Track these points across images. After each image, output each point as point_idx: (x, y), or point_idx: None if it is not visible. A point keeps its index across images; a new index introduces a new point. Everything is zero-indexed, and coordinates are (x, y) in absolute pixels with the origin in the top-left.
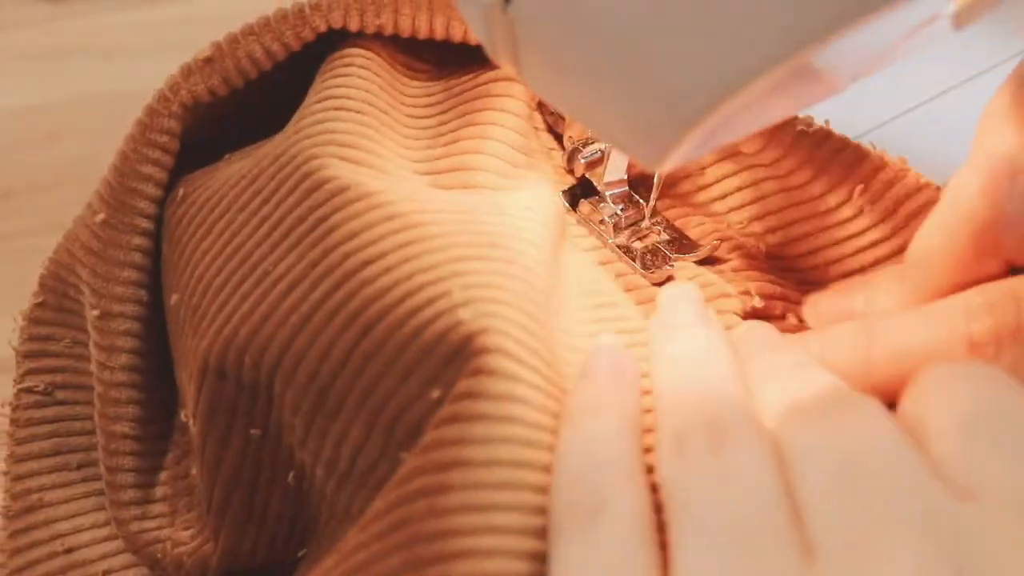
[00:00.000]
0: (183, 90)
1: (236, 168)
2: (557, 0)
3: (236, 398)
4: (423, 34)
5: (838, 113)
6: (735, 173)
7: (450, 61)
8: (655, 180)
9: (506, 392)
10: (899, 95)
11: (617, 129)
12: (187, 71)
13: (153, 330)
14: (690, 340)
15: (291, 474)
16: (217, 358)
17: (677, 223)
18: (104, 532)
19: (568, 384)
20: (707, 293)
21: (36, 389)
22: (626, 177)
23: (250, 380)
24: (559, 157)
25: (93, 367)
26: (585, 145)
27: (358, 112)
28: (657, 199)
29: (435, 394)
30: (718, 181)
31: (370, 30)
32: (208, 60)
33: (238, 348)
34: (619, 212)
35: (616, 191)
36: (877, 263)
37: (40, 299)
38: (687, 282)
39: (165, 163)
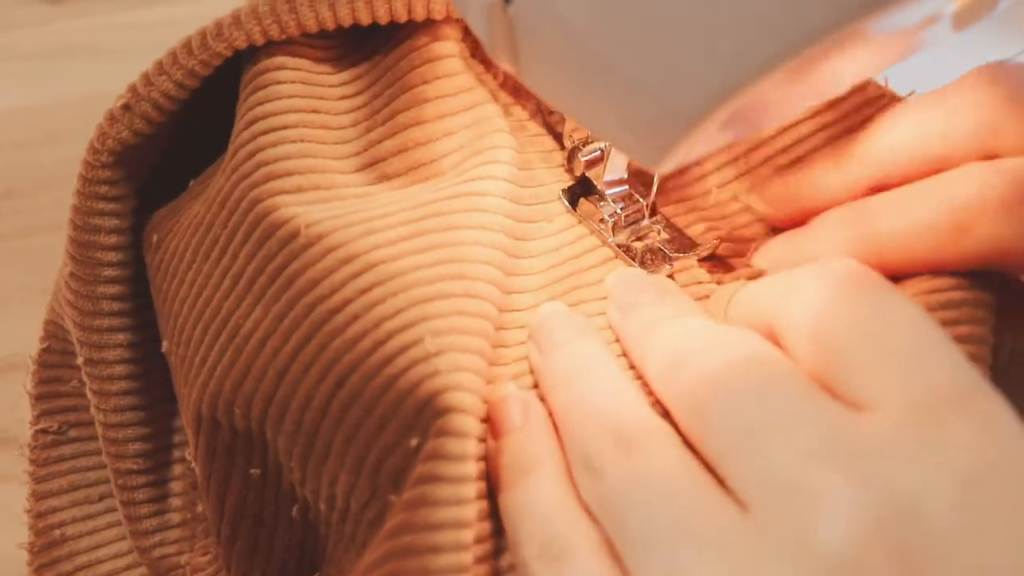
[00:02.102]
0: (109, 139)
1: (194, 212)
2: (557, 1)
3: (233, 443)
4: (330, 25)
5: None
6: (729, 163)
7: (371, 40)
8: (654, 179)
9: (460, 460)
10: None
11: (617, 129)
12: (110, 118)
13: (149, 365)
14: (568, 358)
15: (295, 507)
16: (208, 409)
17: (677, 222)
18: (126, 560)
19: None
20: (700, 291)
21: (51, 430)
22: (626, 176)
23: (243, 428)
24: (559, 157)
25: (92, 409)
26: (585, 144)
27: (286, 128)
28: (656, 198)
29: (413, 442)
30: (717, 169)
31: (278, 39)
32: (126, 107)
33: (226, 401)
34: (619, 211)
35: (616, 190)
36: None
37: (45, 344)
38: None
39: (115, 210)
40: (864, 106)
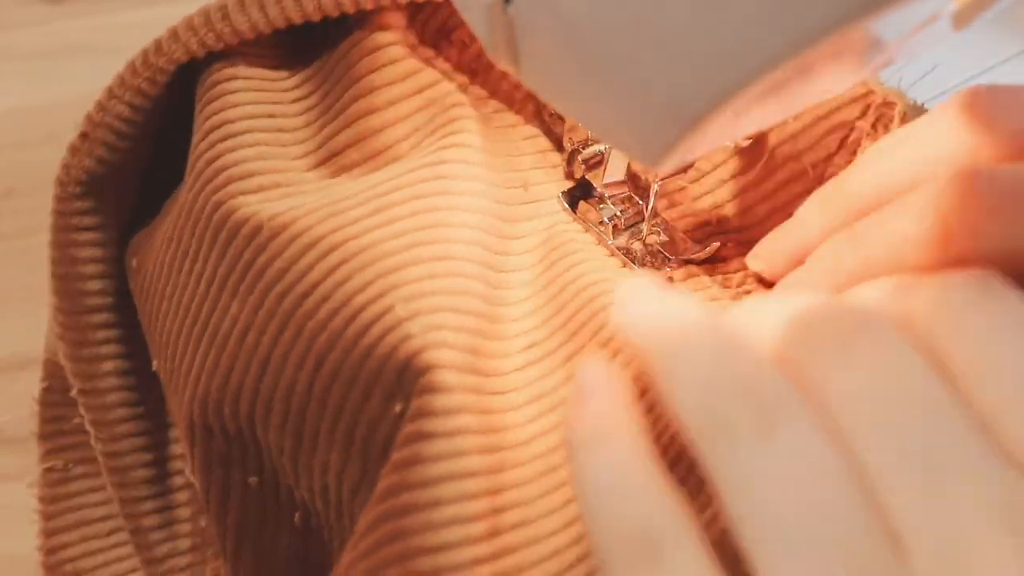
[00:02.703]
0: (73, 169)
1: (164, 229)
2: (557, 1)
3: (228, 450)
4: (264, 28)
5: None
6: (724, 162)
7: (320, 42)
8: (654, 181)
9: (449, 414)
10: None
11: (617, 129)
12: (71, 149)
13: (144, 391)
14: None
15: (296, 515)
16: (199, 415)
17: (677, 224)
18: None
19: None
20: (702, 297)
21: (56, 468)
22: (626, 178)
23: (234, 430)
24: (555, 157)
25: (92, 441)
26: (585, 146)
27: (242, 133)
28: (656, 200)
29: (397, 408)
30: (715, 168)
31: (219, 49)
32: (84, 136)
33: (215, 402)
34: (619, 213)
35: (616, 192)
36: None
37: (46, 384)
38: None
39: (93, 240)
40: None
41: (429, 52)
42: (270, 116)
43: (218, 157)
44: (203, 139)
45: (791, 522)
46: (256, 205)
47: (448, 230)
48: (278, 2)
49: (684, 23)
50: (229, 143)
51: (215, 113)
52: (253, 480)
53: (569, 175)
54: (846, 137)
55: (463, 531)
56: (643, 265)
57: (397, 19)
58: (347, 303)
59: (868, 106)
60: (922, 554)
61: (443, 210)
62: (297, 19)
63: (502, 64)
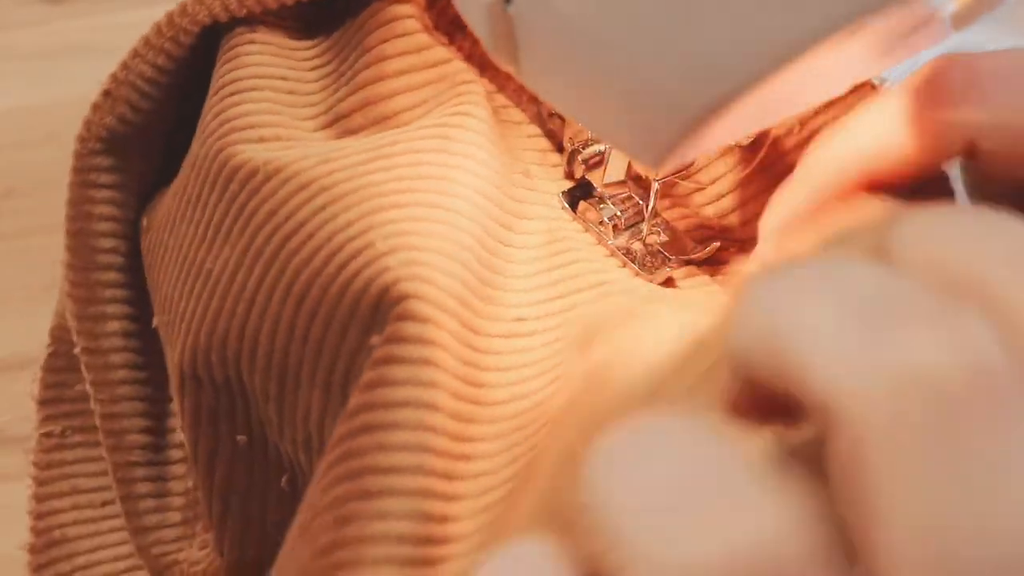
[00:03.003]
0: (94, 126)
1: (173, 185)
2: (557, 1)
3: (216, 402)
4: (288, 1)
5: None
6: (725, 169)
7: (342, 14)
8: (654, 181)
9: (421, 342)
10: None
11: (617, 129)
12: (94, 107)
13: (148, 356)
14: None
15: (284, 478)
16: (189, 365)
17: (677, 224)
18: (125, 564)
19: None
20: (703, 297)
21: (54, 433)
22: (626, 178)
23: (222, 379)
24: (555, 157)
25: (91, 402)
26: (585, 146)
27: (251, 90)
28: (656, 200)
29: (374, 340)
30: (713, 182)
31: (241, 15)
32: (106, 93)
33: (204, 350)
34: (619, 213)
35: (616, 192)
36: None
37: (52, 348)
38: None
39: (109, 197)
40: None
41: (443, 39)
42: (283, 78)
43: (224, 111)
44: (214, 95)
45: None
46: (254, 152)
47: (447, 184)
48: None
49: (685, 23)
50: (235, 98)
51: (228, 72)
52: (241, 438)
53: (569, 175)
54: None
55: (417, 459)
56: (643, 265)
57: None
58: (330, 240)
59: None
60: None
61: (446, 167)
62: None
63: (502, 64)
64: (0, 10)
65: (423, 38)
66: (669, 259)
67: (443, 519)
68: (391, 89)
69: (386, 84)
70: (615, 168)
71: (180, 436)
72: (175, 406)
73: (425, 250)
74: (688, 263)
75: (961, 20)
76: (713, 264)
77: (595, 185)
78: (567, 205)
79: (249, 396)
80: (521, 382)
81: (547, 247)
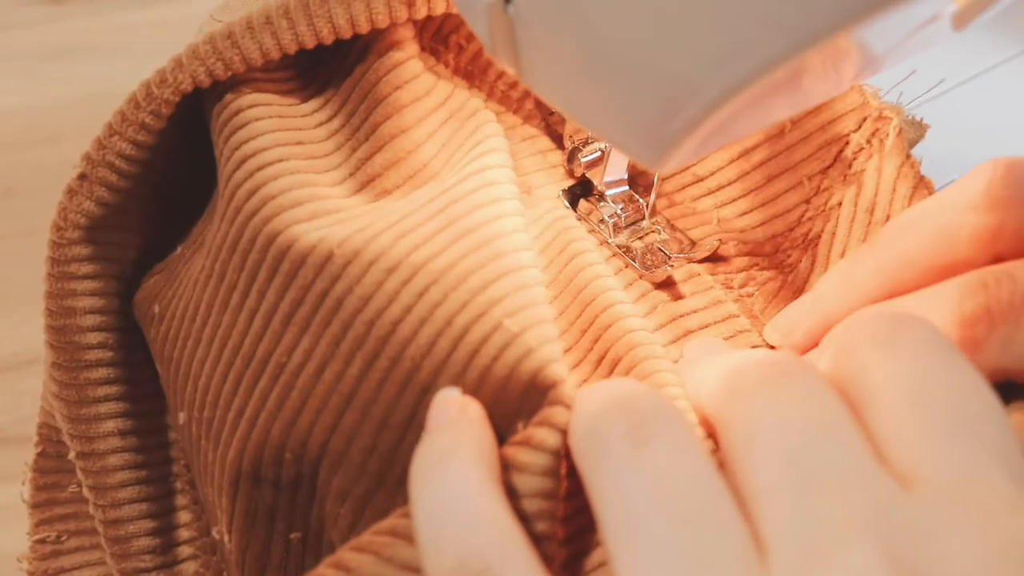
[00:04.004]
0: (71, 213)
1: (196, 268)
2: (557, 1)
3: (275, 501)
4: (275, 54)
5: None
6: (730, 163)
7: (328, 65)
8: (654, 180)
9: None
10: (900, 95)
11: (617, 129)
12: (70, 192)
13: (147, 453)
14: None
15: None
16: (251, 463)
17: (677, 223)
18: None
19: None
20: (704, 298)
21: (48, 540)
22: (626, 177)
23: (290, 477)
24: (556, 156)
25: (90, 508)
26: (585, 145)
27: (280, 161)
28: (657, 198)
29: (519, 427)
30: (712, 174)
31: (226, 77)
32: (82, 176)
33: (274, 447)
34: (619, 212)
35: (616, 191)
36: None
37: (40, 448)
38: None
39: (93, 289)
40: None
41: (431, 60)
42: (299, 144)
43: (260, 187)
44: (237, 168)
45: (654, 524)
46: (315, 233)
47: (513, 238)
48: (291, 27)
49: (685, 23)
50: (268, 171)
51: (244, 142)
52: (295, 536)
53: (570, 173)
54: (841, 151)
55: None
56: (643, 263)
57: (407, 32)
58: (449, 325)
59: (864, 119)
60: (783, 556)
61: (503, 218)
62: (310, 44)
63: (502, 64)
64: (0, 10)
65: (429, 78)
66: (669, 258)
67: None
68: (415, 141)
69: (409, 136)
70: (615, 166)
71: (187, 532)
72: (221, 506)
73: (544, 322)
74: (688, 262)
75: (961, 20)
76: (714, 263)
77: (595, 183)
78: (567, 203)
79: (317, 494)
80: None
81: (544, 257)
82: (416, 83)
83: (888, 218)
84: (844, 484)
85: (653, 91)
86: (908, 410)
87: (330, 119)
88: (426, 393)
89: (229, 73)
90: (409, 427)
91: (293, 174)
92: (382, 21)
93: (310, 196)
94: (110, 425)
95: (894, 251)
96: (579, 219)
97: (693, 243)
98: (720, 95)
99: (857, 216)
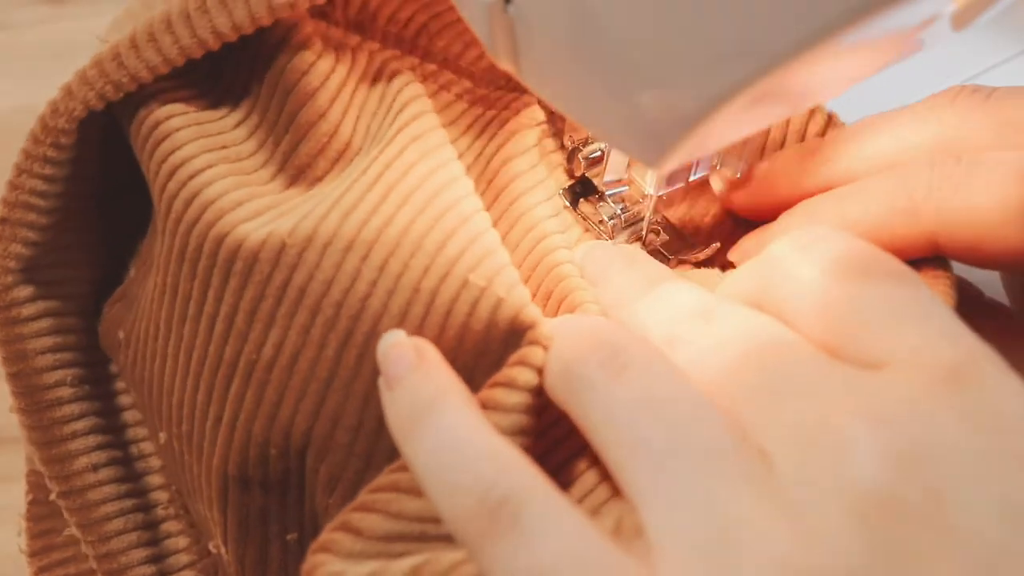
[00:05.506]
0: (2, 258)
1: (150, 286)
2: (557, 1)
3: (265, 503)
4: (163, 69)
5: (838, 113)
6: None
7: (227, 67)
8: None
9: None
10: (900, 95)
11: (617, 130)
12: None
13: (131, 483)
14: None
15: None
16: (237, 466)
17: (677, 224)
18: None
19: None
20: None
21: None
22: (626, 177)
23: (278, 475)
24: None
25: (83, 547)
26: (585, 144)
27: (209, 167)
28: (656, 199)
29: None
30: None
31: (114, 98)
32: (4, 220)
33: (257, 445)
34: (619, 212)
35: (616, 191)
36: None
37: (31, 497)
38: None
39: (41, 329)
40: None
41: (355, 38)
42: (223, 147)
43: (196, 195)
44: (168, 180)
45: (652, 437)
46: (263, 228)
47: (452, 189)
48: (175, 41)
49: (684, 24)
50: (201, 178)
51: (170, 153)
52: (292, 537)
53: (570, 173)
54: None
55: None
56: None
57: (299, 15)
58: (417, 290)
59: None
60: (784, 455)
61: (437, 171)
62: (197, 54)
63: (502, 63)
64: (0, 10)
65: (329, 56)
66: (669, 259)
67: None
68: (333, 122)
69: (327, 119)
70: (615, 166)
71: (187, 556)
72: (212, 520)
73: (508, 266)
74: (688, 263)
75: (961, 20)
76: (713, 265)
77: (596, 183)
78: (568, 203)
79: (307, 488)
80: None
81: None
82: (320, 63)
83: None
84: (811, 379)
85: (653, 92)
86: (858, 313)
87: (247, 117)
88: None
89: (120, 94)
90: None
91: (226, 177)
92: (266, 20)
93: (248, 195)
94: (84, 461)
95: (860, 150)
96: (578, 218)
97: (693, 244)
98: (720, 96)
99: None
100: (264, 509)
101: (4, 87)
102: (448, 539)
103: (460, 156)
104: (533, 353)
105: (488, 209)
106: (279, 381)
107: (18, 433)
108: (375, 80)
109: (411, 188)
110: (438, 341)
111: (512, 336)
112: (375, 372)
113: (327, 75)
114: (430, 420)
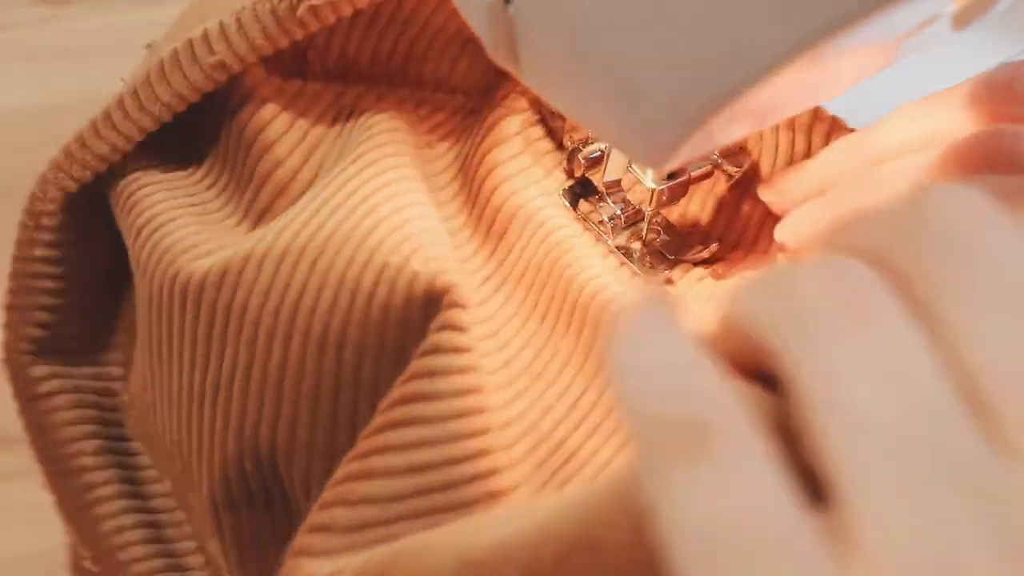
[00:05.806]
0: (14, 341)
1: (138, 345)
2: (556, 1)
3: (255, 522)
4: (126, 147)
5: (838, 114)
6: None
7: (196, 128)
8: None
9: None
10: (900, 95)
11: (618, 129)
12: (9, 324)
13: (172, 543)
14: None
15: None
16: (222, 488)
17: (677, 224)
18: None
19: None
20: (701, 295)
21: None
22: (626, 177)
23: (260, 491)
24: (555, 157)
25: None
26: (585, 145)
27: (172, 220)
28: (656, 199)
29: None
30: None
31: (89, 180)
32: (10, 306)
33: (235, 461)
34: (619, 212)
35: (616, 191)
36: None
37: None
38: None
39: (65, 403)
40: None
41: (296, 83)
42: (192, 204)
43: (157, 244)
44: (137, 237)
45: (880, 417)
46: (209, 260)
47: (399, 197)
48: (125, 117)
49: (685, 24)
50: (163, 230)
51: (140, 215)
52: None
53: (569, 173)
54: None
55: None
56: (642, 264)
57: (257, 75)
58: (343, 280)
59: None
60: None
61: (381, 185)
62: (152, 127)
63: (502, 63)
64: (0, 10)
65: (289, 114)
66: (669, 258)
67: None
68: (292, 168)
69: (285, 167)
70: (615, 166)
71: None
72: (220, 556)
73: (430, 245)
74: (687, 263)
75: (961, 20)
76: (713, 264)
77: (596, 184)
78: (568, 203)
79: (289, 499)
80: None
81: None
82: (279, 119)
83: None
84: None
85: (653, 92)
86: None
87: (217, 179)
88: (342, 349)
89: (90, 174)
90: (340, 389)
91: (188, 226)
92: (208, 87)
93: (204, 239)
94: (111, 524)
95: (894, 131)
96: (578, 218)
97: (692, 244)
98: (720, 97)
99: None
100: (256, 529)
101: (4, 87)
102: (412, 517)
103: (449, 164)
104: (454, 316)
105: (469, 196)
106: (240, 396)
107: (18, 433)
108: (344, 121)
109: (346, 195)
110: (365, 324)
111: (430, 303)
112: (319, 368)
113: (287, 128)
114: (643, 336)
